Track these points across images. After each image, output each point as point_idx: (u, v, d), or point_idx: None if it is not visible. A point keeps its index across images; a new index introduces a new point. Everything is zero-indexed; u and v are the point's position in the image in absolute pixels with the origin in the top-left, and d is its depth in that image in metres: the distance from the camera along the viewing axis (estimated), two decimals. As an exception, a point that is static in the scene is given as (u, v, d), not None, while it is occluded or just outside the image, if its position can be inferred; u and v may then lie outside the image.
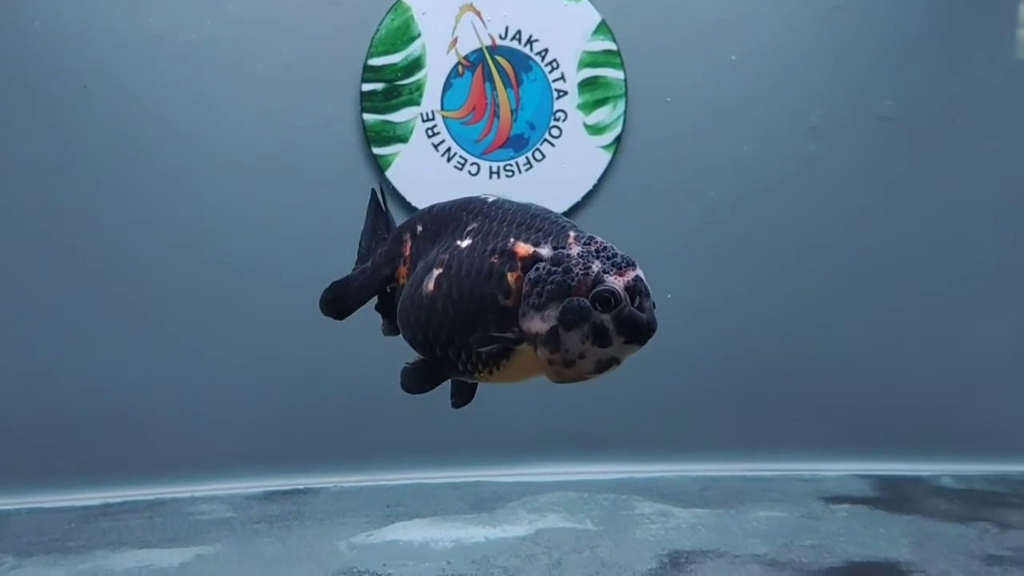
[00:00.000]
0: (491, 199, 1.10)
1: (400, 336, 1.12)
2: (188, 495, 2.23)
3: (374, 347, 1.15)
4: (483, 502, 2.18)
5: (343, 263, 2.32)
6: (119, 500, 2.19)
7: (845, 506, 2.16)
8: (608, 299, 0.99)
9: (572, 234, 1.01)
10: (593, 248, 1.01)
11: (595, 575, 1.77)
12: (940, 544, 1.93)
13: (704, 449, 2.40)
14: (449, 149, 2.30)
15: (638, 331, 1.01)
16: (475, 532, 2.00)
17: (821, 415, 2.43)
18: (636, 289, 1.01)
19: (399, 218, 2.36)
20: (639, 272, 1.02)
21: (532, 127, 2.32)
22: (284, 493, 2.25)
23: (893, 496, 2.23)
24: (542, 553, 1.88)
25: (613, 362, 1.03)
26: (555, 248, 1.01)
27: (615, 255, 1.01)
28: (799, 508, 2.14)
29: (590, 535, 1.98)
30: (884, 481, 2.33)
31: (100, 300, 2.21)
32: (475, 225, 1.09)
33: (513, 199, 1.10)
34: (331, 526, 2.04)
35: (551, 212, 1.08)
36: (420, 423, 2.25)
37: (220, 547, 1.93)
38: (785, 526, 2.02)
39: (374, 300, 1.23)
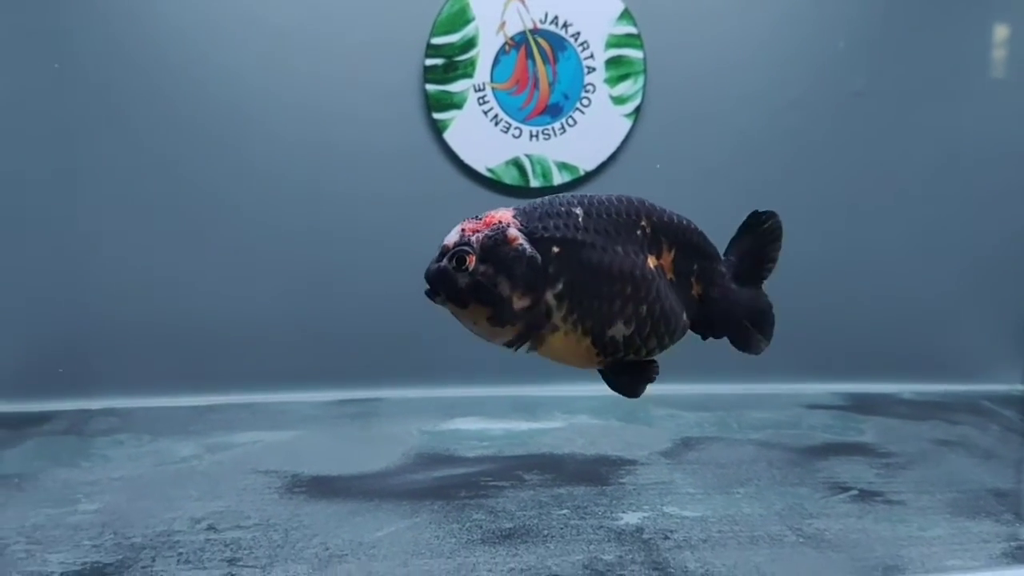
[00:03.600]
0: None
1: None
2: (276, 400, 2.65)
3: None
4: (524, 407, 2.61)
5: (404, 216, 2.80)
6: (221, 402, 2.62)
7: (821, 411, 2.60)
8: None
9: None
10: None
11: (623, 451, 2.21)
12: (900, 433, 2.38)
13: (703, 372, 2.83)
14: (496, 115, 2.73)
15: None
16: (520, 425, 2.43)
17: (803, 347, 2.87)
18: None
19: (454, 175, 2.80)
20: (452, 237, 1.08)
21: (566, 97, 2.75)
22: (355, 400, 2.68)
23: (861, 405, 2.67)
24: (578, 436, 2.32)
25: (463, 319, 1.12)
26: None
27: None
28: (784, 412, 2.58)
29: (615, 427, 2.42)
30: (854, 396, 2.78)
31: (205, 241, 2.64)
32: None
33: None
34: (402, 421, 2.46)
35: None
36: (468, 346, 2.70)
37: (316, 431, 2.36)
38: (773, 423, 2.46)
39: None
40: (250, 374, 2.68)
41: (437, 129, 2.71)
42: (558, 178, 2.77)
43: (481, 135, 2.73)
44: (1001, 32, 2.89)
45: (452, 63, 2.69)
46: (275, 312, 2.71)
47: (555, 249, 1.07)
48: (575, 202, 1.11)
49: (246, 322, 2.68)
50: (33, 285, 2.59)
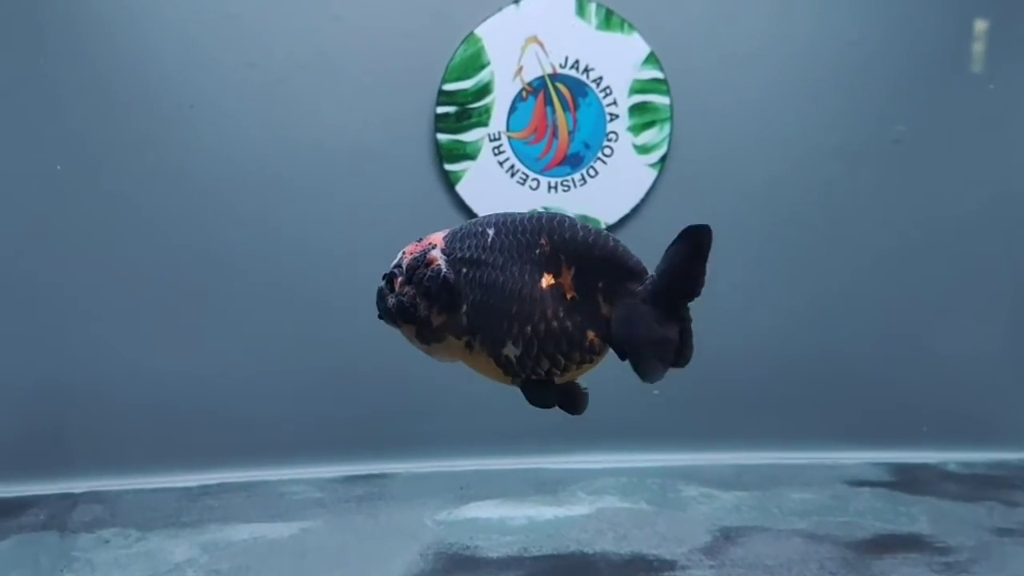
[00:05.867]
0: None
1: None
2: (275, 478, 2.45)
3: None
4: (545, 485, 2.42)
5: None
6: (215, 482, 2.42)
7: (866, 490, 2.42)
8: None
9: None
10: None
11: (658, 547, 2.02)
12: (955, 520, 2.20)
13: (737, 439, 2.66)
14: (513, 166, 2.53)
15: None
16: (543, 512, 2.24)
17: (839, 410, 2.69)
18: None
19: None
20: (394, 259, 1.15)
21: (587, 146, 2.56)
22: (362, 477, 2.48)
23: (907, 480, 2.50)
24: (607, 528, 2.13)
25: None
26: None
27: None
28: (826, 492, 2.40)
29: (646, 514, 2.23)
30: (897, 468, 2.60)
31: (199, 304, 2.43)
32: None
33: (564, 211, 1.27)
34: (413, 505, 2.27)
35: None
36: (481, 414, 2.51)
37: (320, 522, 2.16)
38: (816, 506, 2.28)
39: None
40: (245, 450, 2.48)
41: (449, 181, 2.51)
42: (578, 232, 2.58)
43: (496, 187, 2.54)
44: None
45: (465, 111, 2.49)
46: (273, 382, 2.50)
47: (464, 270, 1.12)
48: (492, 222, 1.13)
49: (242, 393, 2.47)
50: (9, 358, 2.38)
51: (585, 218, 2.58)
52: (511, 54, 2.49)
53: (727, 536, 2.08)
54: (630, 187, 2.59)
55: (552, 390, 1.18)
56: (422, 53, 2.45)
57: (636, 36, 2.51)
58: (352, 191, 2.48)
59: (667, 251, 1.18)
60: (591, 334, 1.13)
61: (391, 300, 1.15)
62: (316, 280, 2.49)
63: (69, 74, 2.32)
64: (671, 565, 1.92)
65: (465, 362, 1.20)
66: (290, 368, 2.51)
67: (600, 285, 1.13)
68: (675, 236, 1.10)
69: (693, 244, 1.15)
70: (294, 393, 2.51)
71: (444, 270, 1.11)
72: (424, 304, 1.12)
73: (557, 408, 1.27)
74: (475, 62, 2.47)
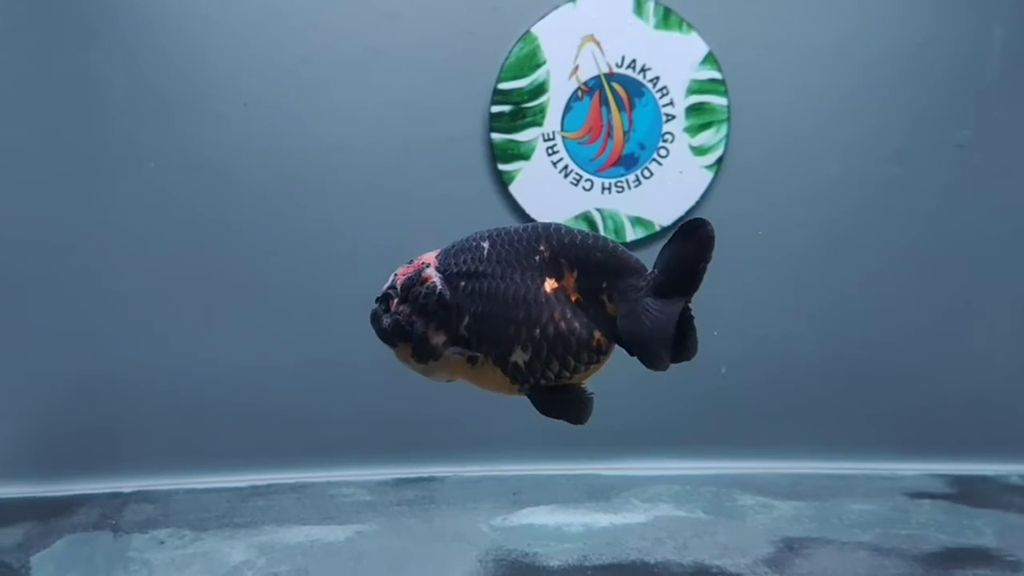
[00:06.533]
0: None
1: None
2: (324, 480, 2.42)
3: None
4: (597, 492, 2.37)
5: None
6: (264, 483, 2.39)
7: (926, 502, 2.37)
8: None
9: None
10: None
11: (720, 557, 1.98)
12: (1022, 533, 2.15)
13: (790, 448, 2.61)
14: (567, 167, 2.50)
15: None
16: (599, 519, 2.20)
17: (895, 420, 2.64)
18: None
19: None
20: (387, 281, 1.20)
21: (642, 147, 2.52)
22: (411, 480, 2.45)
23: (968, 492, 2.43)
24: (666, 537, 2.09)
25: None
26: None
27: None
28: (886, 503, 2.34)
29: (704, 523, 2.19)
30: (958, 481, 2.53)
31: (253, 303, 2.41)
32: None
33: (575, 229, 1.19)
34: (466, 510, 2.24)
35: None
36: (531, 419, 2.47)
37: (375, 525, 2.13)
38: (878, 518, 2.23)
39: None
40: (294, 451, 2.45)
41: (502, 181, 2.47)
42: (631, 234, 2.54)
43: (549, 188, 2.50)
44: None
45: (520, 110, 2.45)
46: (323, 383, 2.47)
47: (462, 283, 1.13)
48: (485, 236, 1.15)
49: (292, 393, 2.44)
50: (56, 355, 2.36)
51: (638, 220, 2.54)
52: (567, 53, 2.45)
53: (790, 547, 2.03)
54: (685, 189, 2.54)
55: (561, 397, 1.17)
56: (477, 51, 2.42)
57: (694, 36, 2.47)
58: (405, 191, 2.45)
59: (668, 245, 1.17)
60: (598, 334, 1.14)
61: (386, 320, 1.17)
62: (368, 280, 2.43)
63: (118, 71, 2.30)
64: (736, 577, 1.87)
65: (466, 378, 1.21)
66: (339, 370, 2.47)
67: (604, 285, 1.15)
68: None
69: (693, 240, 1.16)
70: (344, 394, 2.48)
71: (439, 286, 1.12)
72: (421, 322, 1.13)
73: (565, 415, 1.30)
74: (531, 61, 2.43)
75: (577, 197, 2.52)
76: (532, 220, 2.48)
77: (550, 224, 1.17)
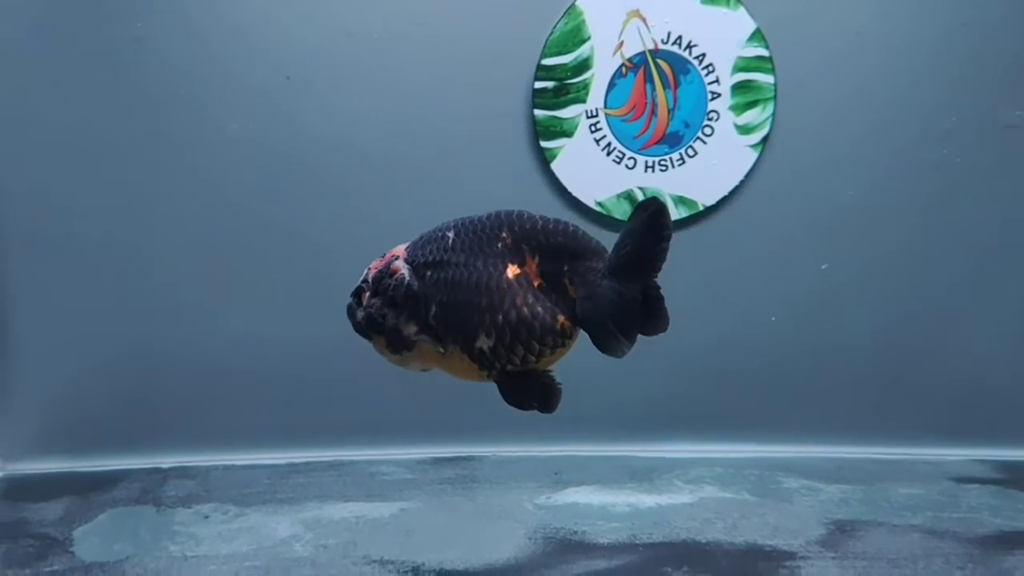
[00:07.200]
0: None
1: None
2: (363, 458, 2.40)
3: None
4: (639, 473, 2.34)
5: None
6: (302, 460, 2.37)
7: (975, 487, 2.33)
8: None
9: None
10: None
11: (772, 537, 1.95)
12: (1078, 520, 2.11)
13: (832, 433, 2.58)
14: (609, 144, 2.46)
15: None
16: (644, 499, 2.17)
17: (940, 405, 2.60)
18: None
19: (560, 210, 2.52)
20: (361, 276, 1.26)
21: (687, 126, 2.48)
22: (450, 459, 2.42)
23: (1018, 478, 2.39)
24: (714, 518, 2.06)
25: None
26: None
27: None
28: (934, 488, 2.30)
29: (751, 504, 2.16)
30: (1004, 465, 2.49)
31: (291, 280, 2.39)
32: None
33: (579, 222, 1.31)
34: (509, 488, 2.21)
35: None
36: (569, 399, 2.44)
37: (419, 503, 2.10)
38: (928, 502, 2.19)
39: None
40: (333, 428, 2.43)
41: (544, 159, 2.44)
42: (674, 214, 2.49)
43: (591, 166, 2.46)
44: None
45: (563, 86, 2.42)
46: (359, 361, 2.43)
47: (428, 273, 1.15)
48: (451, 225, 1.17)
49: (332, 370, 2.41)
50: (96, 328, 2.34)
51: (682, 199, 2.50)
52: (612, 28, 2.41)
53: (842, 529, 2.00)
54: (730, 168, 2.50)
55: (530, 385, 1.19)
56: (522, 25, 2.38)
57: (742, 11, 2.43)
58: (446, 167, 2.42)
59: (625, 229, 1.17)
60: (561, 317, 1.15)
61: (360, 314, 1.20)
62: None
63: (172, 40, 2.28)
64: (791, 556, 1.84)
65: (440, 367, 1.23)
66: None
67: (565, 269, 1.15)
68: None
69: (644, 219, 1.16)
70: (382, 373, 2.44)
71: (407, 277, 1.15)
72: (392, 313, 1.16)
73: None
74: (575, 36, 2.40)
75: (620, 175, 2.48)
76: (573, 198, 2.47)
77: (513, 211, 1.19)
